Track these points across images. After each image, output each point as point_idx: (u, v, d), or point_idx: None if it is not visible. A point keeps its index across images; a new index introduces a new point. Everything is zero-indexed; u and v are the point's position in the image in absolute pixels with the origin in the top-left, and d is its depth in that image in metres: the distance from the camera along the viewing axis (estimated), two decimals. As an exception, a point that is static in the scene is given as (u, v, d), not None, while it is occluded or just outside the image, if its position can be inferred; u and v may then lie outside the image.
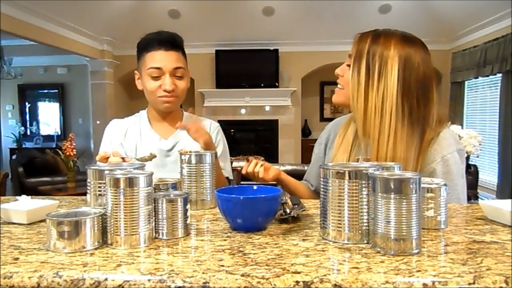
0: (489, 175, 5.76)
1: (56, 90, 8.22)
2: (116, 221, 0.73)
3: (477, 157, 4.33)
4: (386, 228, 0.69)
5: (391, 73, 1.09)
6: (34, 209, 0.90)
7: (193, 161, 1.05)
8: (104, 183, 0.78)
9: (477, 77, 5.93)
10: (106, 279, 0.60)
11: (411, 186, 0.67)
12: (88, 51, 6.58)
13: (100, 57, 6.92)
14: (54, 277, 0.61)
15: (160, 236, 0.78)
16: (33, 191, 4.65)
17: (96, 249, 0.72)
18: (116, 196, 0.73)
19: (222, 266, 0.63)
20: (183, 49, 1.44)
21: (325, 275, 0.59)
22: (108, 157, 1.15)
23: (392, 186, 0.68)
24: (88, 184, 0.87)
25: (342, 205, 0.75)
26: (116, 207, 0.73)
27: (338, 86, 1.24)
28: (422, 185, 0.73)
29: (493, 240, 0.75)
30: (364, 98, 1.11)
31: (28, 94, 8.30)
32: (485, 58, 5.58)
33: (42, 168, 5.49)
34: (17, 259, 0.67)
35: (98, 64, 6.94)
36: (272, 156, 7.18)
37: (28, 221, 0.89)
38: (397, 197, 0.67)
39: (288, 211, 0.87)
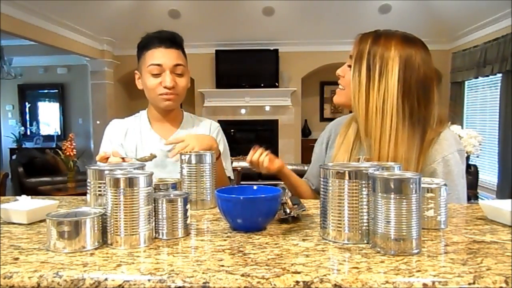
0: (489, 175, 5.76)
1: (56, 90, 8.22)
2: (116, 221, 0.73)
3: (477, 157, 4.33)
4: (386, 228, 0.69)
5: (392, 73, 1.09)
6: (34, 209, 0.90)
7: (193, 161, 1.05)
8: (104, 183, 0.78)
9: (477, 77, 5.93)
10: (106, 279, 0.60)
11: (411, 186, 0.67)
12: (88, 51, 6.58)
13: (100, 57, 6.92)
14: (54, 277, 0.61)
15: (160, 236, 0.78)
16: (33, 191, 4.65)
17: (96, 249, 0.72)
18: (116, 196, 0.73)
19: (222, 266, 0.63)
20: (183, 49, 1.45)
21: (325, 275, 0.59)
22: (108, 157, 1.15)
23: (392, 186, 0.68)
24: (88, 184, 0.87)
25: (342, 205, 0.75)
26: (116, 207, 0.73)
27: (339, 86, 1.24)
28: (422, 185, 0.73)
29: (493, 240, 0.75)
30: (365, 99, 1.11)
31: (28, 94, 8.30)
32: (485, 58, 5.58)
33: (42, 168, 5.49)
34: (17, 259, 0.67)
35: (98, 64, 6.94)
36: (272, 156, 7.17)
37: (28, 221, 0.89)
38: (397, 197, 0.67)
39: (288, 211, 0.87)
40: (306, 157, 7.21)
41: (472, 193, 4.15)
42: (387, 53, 1.10)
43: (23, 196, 0.97)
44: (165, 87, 1.38)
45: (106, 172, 0.81)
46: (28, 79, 7.99)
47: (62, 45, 5.85)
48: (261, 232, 0.82)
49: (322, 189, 0.78)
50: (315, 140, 1.46)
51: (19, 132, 8.15)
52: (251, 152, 1.27)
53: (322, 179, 0.78)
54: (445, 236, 0.79)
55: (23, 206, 0.91)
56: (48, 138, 8.22)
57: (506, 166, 5.18)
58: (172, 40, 1.41)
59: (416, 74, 1.10)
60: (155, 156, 1.14)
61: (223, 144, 1.53)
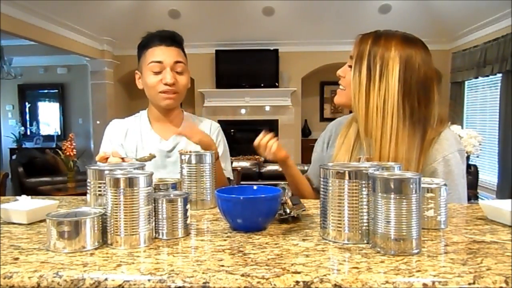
0: (489, 175, 5.76)
1: (56, 90, 8.22)
2: (116, 221, 0.73)
3: (477, 157, 4.33)
4: (386, 228, 0.69)
5: (392, 74, 1.09)
6: (34, 209, 0.90)
7: (193, 161, 1.05)
8: (104, 183, 0.78)
9: (477, 77, 5.93)
10: (106, 279, 0.60)
11: (411, 186, 0.67)
12: (88, 51, 6.58)
13: (100, 57, 6.92)
14: (54, 277, 0.61)
15: (160, 236, 0.78)
16: (33, 191, 4.66)
17: (96, 249, 0.72)
18: (116, 196, 0.73)
19: (222, 266, 0.63)
20: (183, 48, 1.46)
21: (325, 275, 0.59)
22: (107, 157, 1.15)
23: (392, 186, 0.68)
24: (88, 184, 0.87)
25: (342, 205, 0.75)
26: (116, 207, 0.73)
27: (340, 87, 1.24)
28: (422, 185, 0.73)
29: (493, 240, 0.75)
30: (366, 99, 1.12)
31: (28, 94, 8.30)
32: (485, 58, 5.58)
33: (42, 168, 5.49)
34: (17, 259, 0.67)
35: (98, 64, 6.94)
36: (272, 156, 7.17)
37: (28, 221, 0.89)
38: (397, 197, 0.67)
39: (288, 211, 0.87)
40: (306, 157, 7.21)
41: (472, 193, 4.15)
42: (388, 54, 1.10)
43: (23, 196, 0.97)
44: (165, 84, 1.38)
45: (106, 172, 0.81)
46: (28, 79, 7.99)
47: (62, 45, 5.85)
48: (261, 232, 0.82)
49: (322, 189, 0.78)
50: (315, 140, 1.46)
51: (19, 132, 8.15)
52: (260, 135, 1.25)
53: (322, 179, 0.78)
54: (445, 236, 0.79)
55: (23, 206, 0.91)
56: (48, 138, 8.22)
57: (506, 166, 5.18)
58: (173, 39, 1.43)
59: (416, 74, 1.10)
60: (154, 156, 1.14)
61: (223, 145, 1.53)
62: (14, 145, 8.04)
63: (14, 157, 6.70)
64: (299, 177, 1.35)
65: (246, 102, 7.41)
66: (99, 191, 0.85)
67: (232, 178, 1.53)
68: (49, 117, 8.41)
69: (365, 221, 0.74)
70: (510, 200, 0.88)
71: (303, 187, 1.35)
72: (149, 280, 0.59)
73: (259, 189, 0.91)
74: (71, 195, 3.18)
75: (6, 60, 6.58)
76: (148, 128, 1.48)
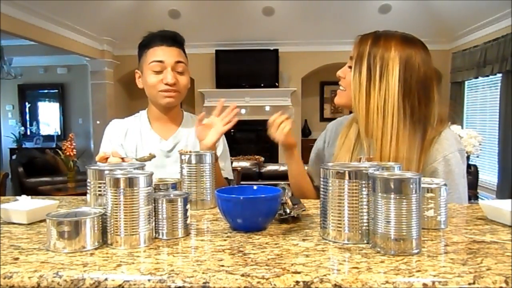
0: (489, 175, 5.76)
1: (56, 90, 8.22)
2: (116, 221, 0.73)
3: (477, 157, 4.33)
4: (386, 228, 0.69)
5: (392, 74, 1.10)
6: (34, 209, 0.90)
7: (193, 161, 1.05)
8: (104, 183, 0.78)
9: (477, 77, 5.93)
10: (106, 279, 0.60)
11: (411, 186, 0.67)
12: (88, 51, 6.58)
13: (100, 57, 6.92)
14: (54, 277, 0.61)
15: (160, 236, 0.78)
16: (33, 191, 4.65)
17: (96, 249, 0.72)
18: (116, 196, 0.73)
19: (222, 266, 0.63)
20: (184, 49, 1.46)
21: (325, 275, 0.59)
22: (107, 157, 1.15)
23: (392, 186, 0.68)
24: (88, 184, 0.87)
25: (342, 205, 0.75)
26: (116, 207, 0.73)
27: (340, 88, 1.24)
28: (422, 185, 0.73)
29: (493, 240, 0.75)
30: (366, 99, 1.12)
31: (28, 94, 8.30)
32: (485, 58, 5.58)
33: (42, 168, 5.49)
34: (17, 259, 0.67)
35: (98, 64, 6.94)
36: (272, 156, 7.18)
37: (28, 221, 0.89)
38: (397, 197, 0.67)
39: (288, 211, 0.87)
40: (306, 157, 7.14)
41: (472, 193, 4.15)
42: (387, 54, 1.10)
43: (23, 196, 0.97)
44: (166, 84, 1.38)
45: (106, 172, 0.81)
46: (28, 79, 7.99)
47: (62, 45, 5.85)
48: (261, 232, 0.82)
49: (322, 189, 0.78)
50: (315, 140, 1.46)
51: (19, 132, 8.15)
52: (276, 114, 1.23)
53: (322, 179, 0.78)
54: (445, 236, 0.79)
55: (23, 206, 0.91)
56: (48, 138, 8.22)
57: (506, 166, 5.18)
58: (174, 39, 1.43)
59: (416, 74, 1.11)
60: (154, 156, 1.14)
61: (223, 145, 1.53)
62: (14, 145, 8.04)
63: (14, 157, 6.70)
64: (302, 171, 1.33)
65: (246, 102, 7.41)
66: (99, 191, 0.85)
67: (232, 178, 1.53)
68: (49, 117, 8.41)
69: (365, 221, 0.74)
70: (510, 200, 0.88)
71: (304, 183, 1.34)
72: (149, 280, 0.59)
73: (259, 189, 0.91)
74: (71, 195, 3.18)
75: (6, 60, 6.58)
76: (148, 128, 1.48)
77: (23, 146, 8.05)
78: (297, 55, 7.25)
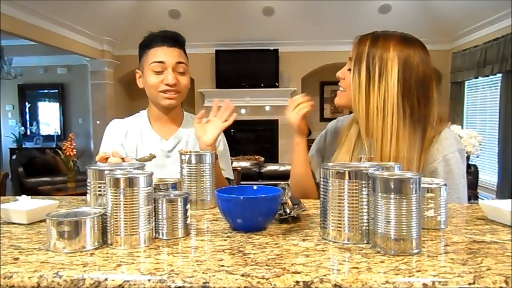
0: (489, 175, 5.76)
1: (56, 90, 8.22)
2: (116, 221, 0.73)
3: (477, 157, 4.33)
4: (386, 228, 0.69)
5: (391, 74, 1.10)
6: (34, 209, 0.90)
7: (193, 161, 1.05)
8: (104, 183, 0.78)
9: (477, 77, 5.93)
10: (106, 279, 0.60)
11: (411, 186, 0.68)
12: (88, 51, 6.58)
13: (100, 57, 6.92)
14: (54, 277, 0.61)
15: (160, 236, 0.78)
16: (33, 191, 4.66)
17: (96, 249, 0.72)
18: (116, 196, 0.73)
19: (222, 266, 0.63)
20: (185, 49, 1.46)
21: (325, 275, 0.59)
22: (107, 158, 1.15)
23: (392, 186, 0.68)
24: (88, 184, 0.87)
25: (342, 205, 0.75)
26: (116, 207, 0.73)
27: (340, 88, 1.25)
28: (422, 185, 0.73)
29: (493, 240, 0.75)
30: (366, 100, 1.12)
31: (28, 94, 8.30)
32: (485, 58, 5.58)
33: (42, 168, 5.50)
34: (17, 259, 0.67)
35: (98, 64, 6.94)
36: (272, 156, 7.19)
37: (28, 221, 0.89)
38: (397, 197, 0.67)
39: (288, 211, 0.87)
40: (306, 157, 7.19)
41: (472, 193, 4.15)
42: (386, 54, 1.11)
43: (23, 196, 0.97)
44: (167, 84, 1.38)
45: (106, 172, 0.81)
46: (28, 79, 7.99)
47: (62, 45, 5.85)
48: (261, 232, 0.82)
49: (322, 189, 0.78)
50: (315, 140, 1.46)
51: (19, 132, 8.15)
52: (300, 95, 1.25)
53: (322, 179, 0.78)
54: (445, 236, 0.79)
55: (23, 206, 0.91)
56: (48, 138, 8.22)
57: (506, 166, 5.18)
58: (175, 39, 1.43)
59: (415, 73, 1.11)
60: (154, 156, 1.14)
61: (223, 145, 1.53)
62: (14, 145, 8.04)
63: (14, 157, 6.71)
64: (305, 162, 1.30)
65: (246, 102, 7.41)
66: (99, 191, 0.85)
67: (232, 178, 1.53)
68: (49, 117, 8.41)
69: (365, 221, 0.74)
70: (510, 200, 0.88)
71: (306, 175, 1.30)
72: (149, 280, 0.59)
73: (259, 189, 0.91)
74: (71, 195, 3.18)
75: (6, 60, 6.58)
76: (148, 128, 1.48)
77: (23, 146, 8.05)
78: (297, 55, 7.25)
